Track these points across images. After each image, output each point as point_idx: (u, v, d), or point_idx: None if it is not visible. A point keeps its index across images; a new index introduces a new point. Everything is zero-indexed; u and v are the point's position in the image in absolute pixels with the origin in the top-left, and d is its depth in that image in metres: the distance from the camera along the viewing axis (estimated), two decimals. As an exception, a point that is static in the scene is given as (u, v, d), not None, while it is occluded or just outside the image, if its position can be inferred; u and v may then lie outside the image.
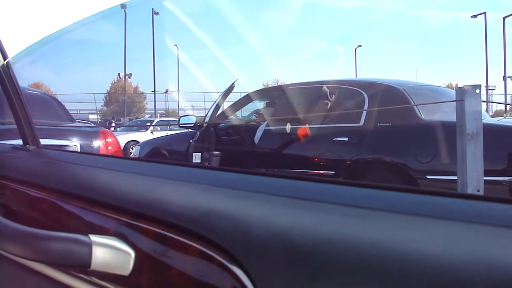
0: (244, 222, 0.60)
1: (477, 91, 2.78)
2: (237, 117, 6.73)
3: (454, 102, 2.91)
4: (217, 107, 5.28)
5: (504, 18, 26.01)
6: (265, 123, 5.14)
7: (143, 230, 0.73)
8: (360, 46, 32.00)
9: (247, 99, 5.66)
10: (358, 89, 4.46)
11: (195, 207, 0.69)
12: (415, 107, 4.00)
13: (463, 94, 2.75)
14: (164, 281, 0.68)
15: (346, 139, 4.19)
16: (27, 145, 1.23)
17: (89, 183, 0.95)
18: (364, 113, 4.18)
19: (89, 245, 0.71)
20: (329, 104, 4.52)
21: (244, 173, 0.77)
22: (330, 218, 0.55)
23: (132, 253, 0.72)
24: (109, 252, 0.72)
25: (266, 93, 6.27)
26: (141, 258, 0.71)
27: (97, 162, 1.13)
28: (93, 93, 33.03)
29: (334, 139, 4.25)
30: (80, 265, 0.73)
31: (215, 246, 0.61)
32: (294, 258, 0.53)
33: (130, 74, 33.17)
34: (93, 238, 0.72)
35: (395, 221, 0.50)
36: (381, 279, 0.46)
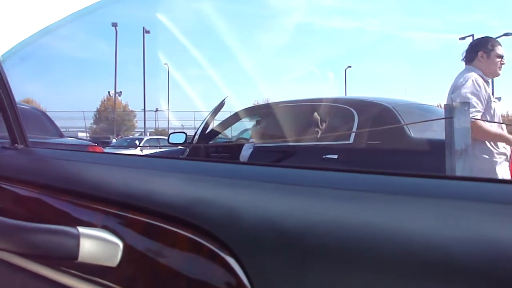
0: (234, 209, 0.60)
1: (466, 108, 2.79)
2: (227, 136, 6.71)
3: (443, 120, 2.92)
4: (207, 124, 5.27)
5: (491, 41, 26.35)
6: (251, 143, 5.13)
7: (132, 220, 0.72)
8: (350, 67, 32.34)
9: (235, 118, 5.64)
10: (348, 107, 4.47)
11: (184, 196, 0.69)
12: (404, 125, 4.01)
13: (452, 111, 2.75)
14: (153, 270, 0.67)
15: (335, 156, 4.18)
16: (16, 144, 1.22)
17: (78, 177, 0.95)
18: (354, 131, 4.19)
19: (76, 236, 0.70)
20: (319, 123, 4.52)
21: (233, 163, 0.77)
22: (320, 201, 0.55)
23: (120, 244, 0.71)
24: (97, 244, 0.71)
25: (255, 111, 6.25)
26: (130, 248, 0.71)
27: (85, 158, 1.12)
28: (83, 111, 33.02)
29: (323, 156, 4.25)
30: (67, 257, 0.72)
31: (205, 234, 0.61)
32: (285, 242, 0.52)
33: (120, 92, 33.23)
34: (81, 230, 0.71)
35: (384, 202, 0.50)
36: (373, 258, 0.46)
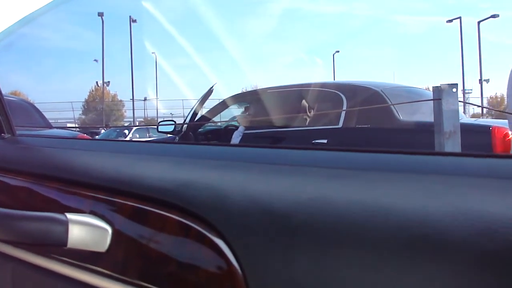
0: (222, 191, 0.60)
1: (454, 90, 2.80)
2: (216, 123, 6.70)
3: (432, 103, 2.92)
4: (195, 113, 5.25)
5: (478, 23, 26.52)
6: (242, 127, 5.12)
7: (120, 205, 0.72)
8: (338, 51, 32.31)
9: (224, 105, 5.62)
10: (336, 91, 4.47)
11: (172, 179, 0.69)
12: (393, 108, 4.01)
13: (440, 93, 2.76)
14: (142, 254, 0.67)
15: (325, 141, 4.19)
16: (2, 134, 1.20)
17: (66, 164, 0.94)
18: (343, 115, 4.19)
19: (65, 223, 0.70)
20: (308, 108, 4.52)
21: (221, 145, 0.77)
22: (307, 180, 0.55)
23: (109, 229, 0.71)
24: (86, 229, 0.71)
25: (243, 98, 6.22)
26: (118, 233, 0.71)
27: (73, 145, 1.11)
28: (71, 102, 32.81)
29: (313, 141, 4.25)
30: (56, 244, 0.71)
31: (193, 216, 0.61)
32: (273, 222, 0.52)
33: (108, 82, 33.05)
34: (69, 216, 0.71)
35: (372, 180, 0.50)
36: (361, 235, 0.46)
